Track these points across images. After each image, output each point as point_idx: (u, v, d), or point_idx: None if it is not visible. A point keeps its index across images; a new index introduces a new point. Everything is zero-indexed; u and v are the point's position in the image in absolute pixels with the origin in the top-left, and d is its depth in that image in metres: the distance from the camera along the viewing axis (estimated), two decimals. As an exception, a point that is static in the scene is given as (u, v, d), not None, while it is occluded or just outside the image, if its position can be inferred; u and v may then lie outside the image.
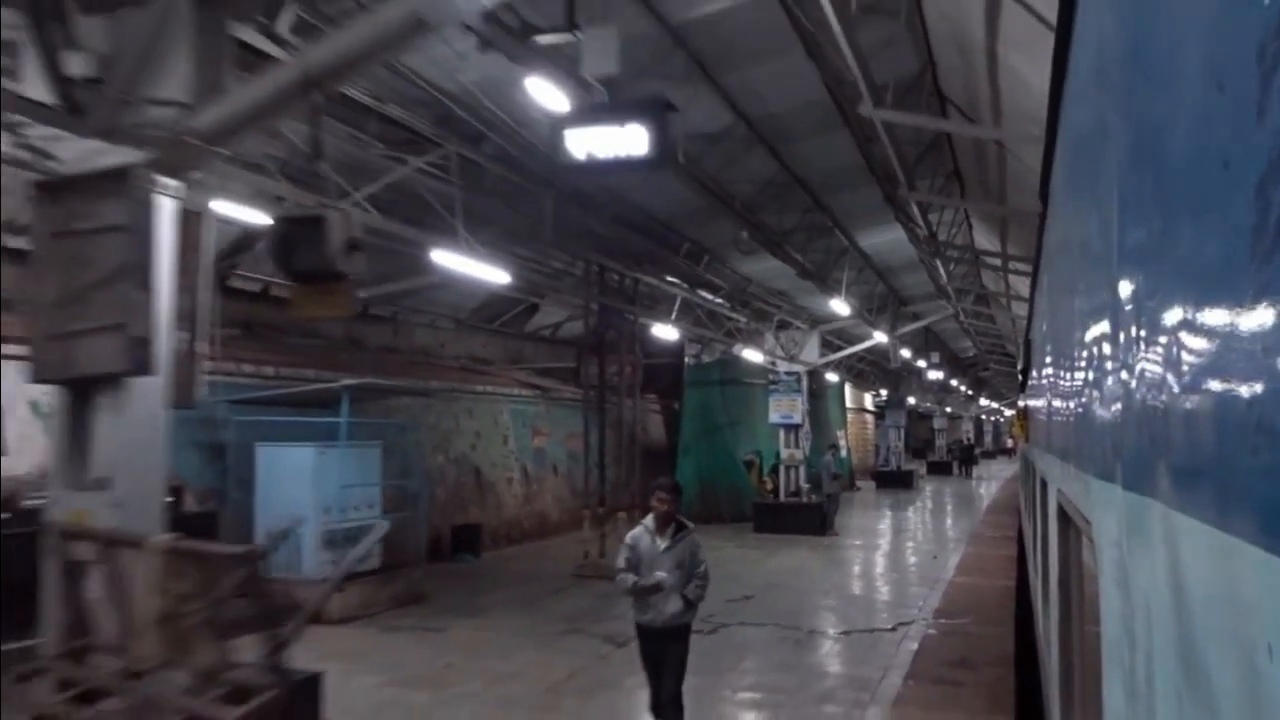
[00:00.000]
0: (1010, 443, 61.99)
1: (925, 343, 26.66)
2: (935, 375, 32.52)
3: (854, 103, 7.84)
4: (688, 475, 21.39)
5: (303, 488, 11.33)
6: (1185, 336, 0.83)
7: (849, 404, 38.35)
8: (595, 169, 5.35)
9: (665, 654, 6.42)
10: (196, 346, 5.58)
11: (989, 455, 66.91)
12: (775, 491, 21.83)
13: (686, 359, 24.65)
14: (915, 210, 11.73)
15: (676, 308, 18.16)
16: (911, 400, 43.75)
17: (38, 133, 5.07)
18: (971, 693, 8.27)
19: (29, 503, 8.74)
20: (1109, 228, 1.36)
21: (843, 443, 32.77)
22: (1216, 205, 0.71)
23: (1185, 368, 0.83)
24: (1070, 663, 3.01)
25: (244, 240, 12.59)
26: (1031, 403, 7.09)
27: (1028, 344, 8.06)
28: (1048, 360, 3.96)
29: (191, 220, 5.42)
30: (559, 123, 5.30)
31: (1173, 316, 0.89)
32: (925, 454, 52.59)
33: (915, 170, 10.27)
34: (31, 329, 5.17)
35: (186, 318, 5.52)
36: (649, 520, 6.42)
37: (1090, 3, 1.65)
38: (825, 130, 10.55)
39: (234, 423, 11.80)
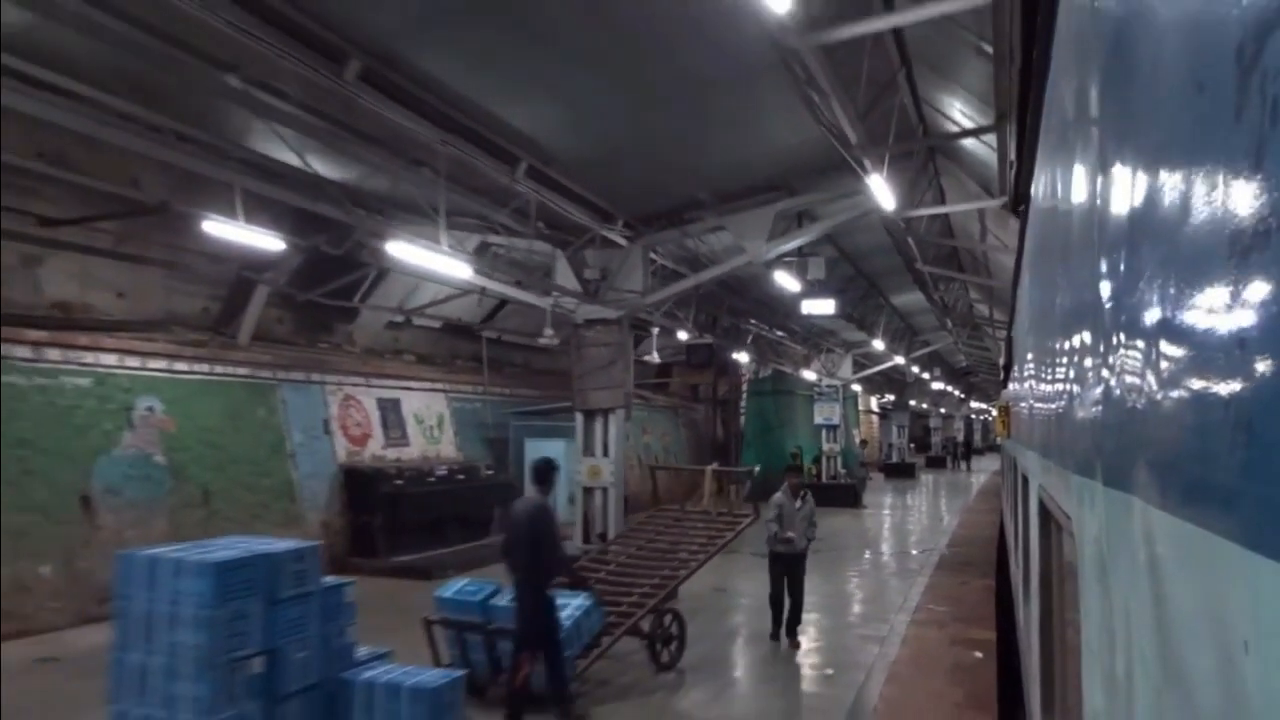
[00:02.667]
0: (998, 440, 68.86)
1: (929, 360, 33.77)
2: (937, 385, 39.60)
3: (909, 257, 14.79)
4: (751, 463, 28.37)
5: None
6: (1165, 334, 0.82)
7: (859, 407, 45.41)
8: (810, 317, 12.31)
9: (792, 571, 9.88)
10: (627, 395, 12.51)
11: (978, 452, 74.04)
12: (819, 475, 28.78)
13: (745, 375, 31.59)
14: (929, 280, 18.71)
15: (749, 340, 25.08)
16: (912, 403, 50.86)
17: (570, 302, 11.96)
18: (972, 573, 15.16)
19: (430, 473, 15.68)
20: (1089, 225, 1.35)
21: (859, 439, 39.78)
22: (1195, 204, 0.71)
23: (1165, 365, 0.83)
24: (1051, 657, 2.98)
25: (499, 307, 19.40)
26: (1013, 399, 7.00)
27: (1009, 341, 8.02)
28: (1029, 357, 3.87)
29: (632, 339, 12.37)
30: (796, 296, 12.26)
31: (1152, 314, 0.88)
32: (922, 449, 59.64)
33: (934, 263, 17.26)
34: (575, 386, 12.09)
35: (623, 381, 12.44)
36: (785, 490, 9.93)
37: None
38: (891, 262, 17.46)
39: (511, 426, 18.71)
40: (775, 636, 9.95)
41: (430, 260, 9.66)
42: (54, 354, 10.86)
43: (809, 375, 27.69)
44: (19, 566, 9.88)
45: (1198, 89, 0.69)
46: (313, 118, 8.17)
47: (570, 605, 7.82)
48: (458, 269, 10.08)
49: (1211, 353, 0.67)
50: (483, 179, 9.82)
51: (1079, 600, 1.65)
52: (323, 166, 10.74)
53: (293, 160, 10.39)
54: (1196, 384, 0.72)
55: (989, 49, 6.89)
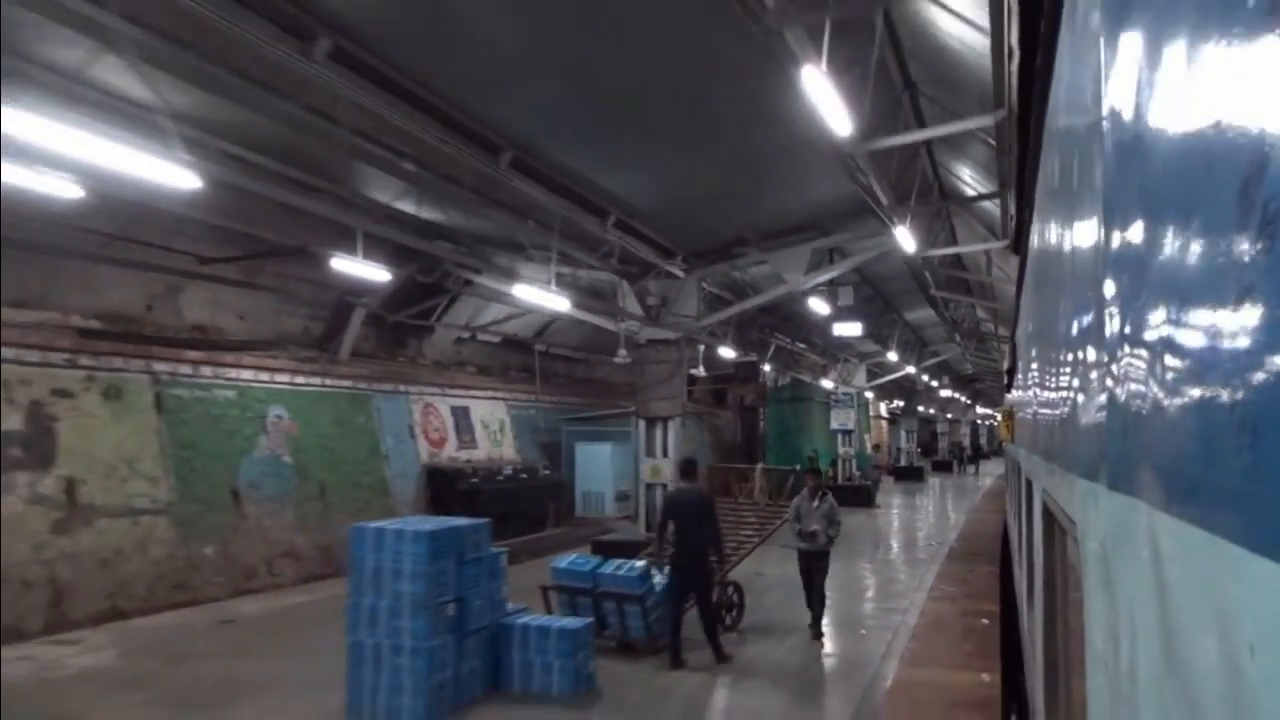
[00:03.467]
0: (1002, 444, 70.78)
1: (938, 369, 35.76)
2: (945, 393, 41.57)
3: (924, 283, 16.79)
4: (772, 465, 30.40)
5: (603, 467, 20.26)
6: (1171, 335, 0.82)
7: (870, 412, 47.42)
8: (840, 335, 14.34)
9: (814, 567, 10.56)
10: (684, 405, 14.54)
11: (984, 456, 75.96)
12: (835, 477, 30.78)
13: (764, 382, 33.63)
14: (940, 299, 20.72)
15: (770, 352, 27.10)
16: (920, 408, 52.83)
17: (633, 325, 13.99)
18: (978, 562, 17.14)
19: (497, 473, 17.73)
20: (1095, 226, 1.36)
21: (869, 444, 41.77)
22: (1201, 205, 0.71)
23: (1171, 367, 0.83)
24: (1055, 662, 2.98)
25: (548, 324, 21.45)
26: (1017, 403, 7.09)
27: (1013, 344, 8.24)
28: (1033, 360, 3.91)
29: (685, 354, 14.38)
30: (827, 318, 14.28)
31: (1158, 316, 0.88)
32: (929, 453, 61.57)
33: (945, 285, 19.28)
34: (638, 397, 14.11)
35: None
36: (806, 491, 10.75)
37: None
38: (906, 285, 19.46)
39: (564, 431, 20.76)
40: (815, 634, 10.62)
41: (542, 297, 11.76)
42: (207, 370, 12.94)
43: (827, 384, 29.72)
44: (190, 548, 11.94)
45: (1203, 86, 0.70)
46: (447, 183, 10.20)
47: (656, 576, 9.85)
48: (560, 303, 12.16)
49: (1218, 354, 0.66)
50: (577, 228, 11.87)
51: (1083, 604, 1.65)
52: (430, 213, 12.83)
53: (408, 209, 12.47)
54: (1201, 386, 0.71)
55: (992, 142, 8.94)
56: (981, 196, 11.11)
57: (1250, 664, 0.59)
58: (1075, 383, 1.78)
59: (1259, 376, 0.57)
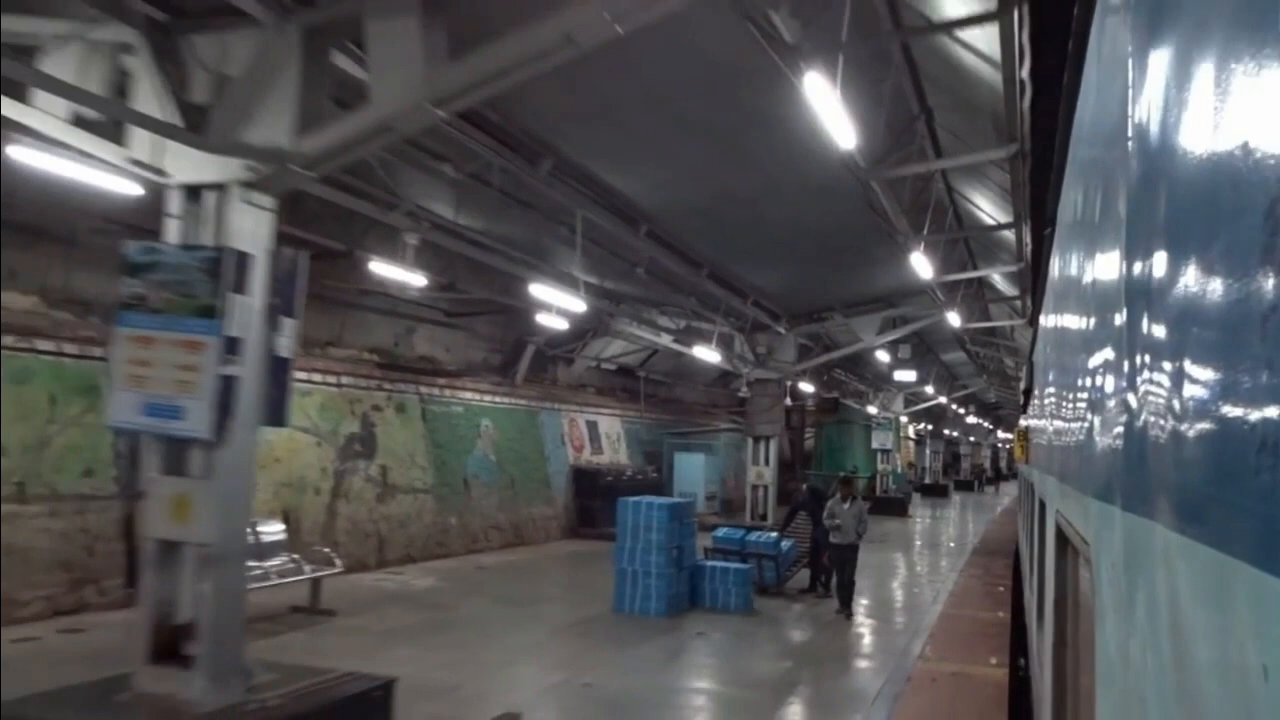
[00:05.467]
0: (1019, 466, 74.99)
1: (965, 399, 40.60)
2: (971, 420, 46.36)
3: (959, 338, 21.71)
4: (816, 480, 35.30)
5: (697, 472, 25.29)
6: (1189, 356, 0.82)
7: (900, 434, 52.29)
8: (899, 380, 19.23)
9: (845, 558, 13.22)
10: (781, 427, 19.45)
11: (1003, 477, 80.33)
12: (874, 490, 35.67)
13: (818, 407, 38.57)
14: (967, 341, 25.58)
15: (824, 379, 32.05)
16: (945, 431, 57.58)
17: (745, 366, 18.94)
18: (996, 556, 21.99)
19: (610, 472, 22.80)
20: (1115, 249, 1.36)
21: (899, 462, 46.63)
22: (1222, 226, 0.71)
23: (1188, 388, 0.82)
24: (1063, 685, 2.99)
25: (653, 354, 26.49)
26: (1032, 424, 7.06)
27: (1030, 365, 8.21)
28: (1050, 381, 3.92)
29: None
30: (889, 366, 19.19)
31: (1176, 336, 0.88)
32: (951, 473, 66.16)
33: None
34: (749, 420, 19.05)
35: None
36: (839, 496, 13.50)
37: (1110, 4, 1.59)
38: (945, 335, 24.39)
39: (665, 442, 25.86)
40: (847, 615, 12.99)
41: (706, 353, 16.87)
42: (447, 391, 18.10)
43: (871, 409, 34.66)
44: (443, 518, 17.06)
45: (1229, 109, 0.70)
46: (632, 266, 15.27)
47: (788, 543, 14.80)
48: (714, 356, 17.22)
49: (1234, 374, 0.66)
50: (721, 302, 16.95)
51: (1095, 627, 1.62)
52: (611, 283, 17.94)
53: (593, 279, 17.60)
54: (1219, 407, 0.70)
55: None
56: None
57: (1264, 687, 0.58)
58: (1092, 404, 1.77)
59: (1278, 397, 0.56)
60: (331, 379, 15.38)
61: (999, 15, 6.78)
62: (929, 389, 30.80)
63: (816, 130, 7.19)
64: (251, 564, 10.23)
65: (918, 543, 25.42)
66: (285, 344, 6.00)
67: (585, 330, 21.36)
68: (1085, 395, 1.94)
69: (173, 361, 5.52)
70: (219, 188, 5.75)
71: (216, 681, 5.62)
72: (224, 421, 5.54)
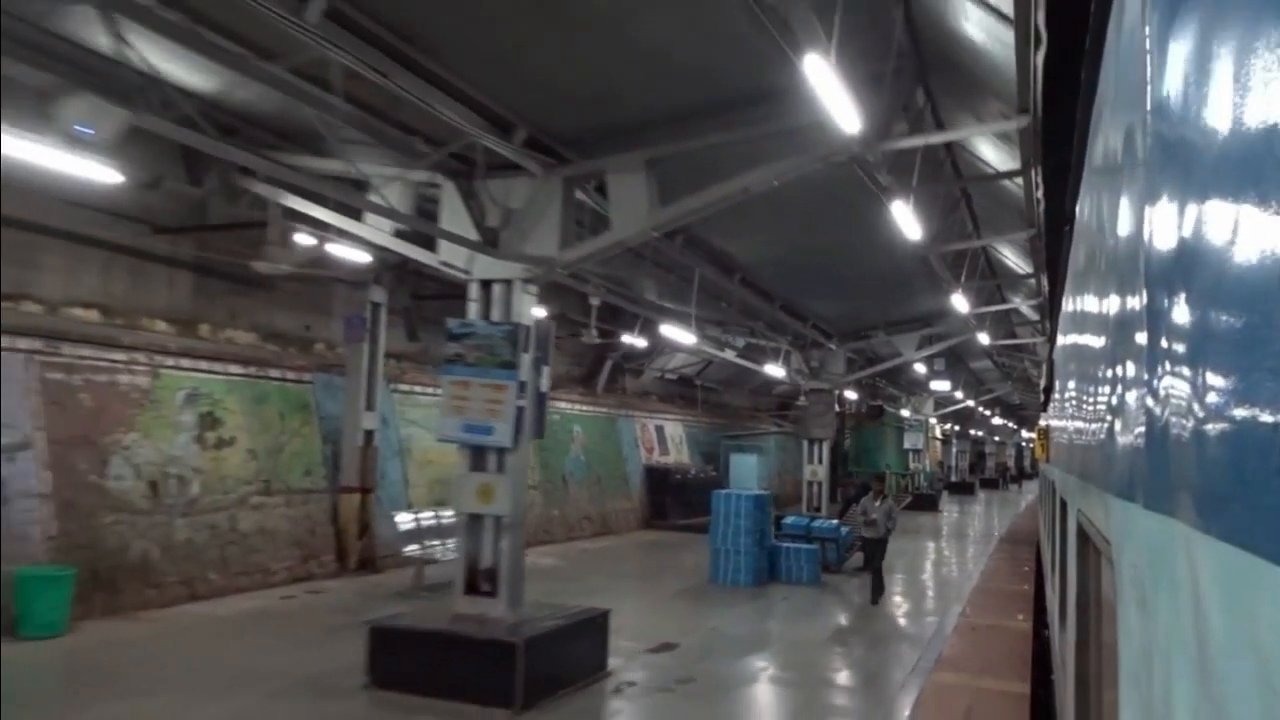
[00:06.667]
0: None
1: (991, 402, 43.29)
2: (997, 421, 48.98)
3: (987, 352, 24.54)
4: (870, 478, 38.09)
5: (750, 470, 28.21)
6: (1210, 352, 0.82)
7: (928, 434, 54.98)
8: (935, 389, 22.09)
9: (874, 551, 14.94)
10: (833, 431, 22.37)
11: (1026, 476, 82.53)
12: (907, 487, 38.46)
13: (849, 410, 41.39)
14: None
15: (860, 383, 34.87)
16: (971, 431, 60.15)
17: (800, 378, 21.85)
18: (1022, 551, 24.77)
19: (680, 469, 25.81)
20: (1136, 246, 1.35)
21: (928, 462, 49.36)
22: (1244, 224, 0.70)
23: (1211, 387, 0.82)
24: (1086, 686, 2.98)
25: (708, 365, 29.41)
26: (1053, 422, 7.13)
27: (1050, 364, 8.40)
28: (1071, 380, 3.90)
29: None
30: (925, 377, 22.05)
31: (1198, 335, 0.88)
32: (976, 472, 68.61)
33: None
34: (803, 424, 22.01)
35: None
36: (871, 494, 15.64)
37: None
38: (974, 347, 27.22)
39: (721, 444, 28.87)
40: (874, 600, 14.24)
41: (774, 369, 19.82)
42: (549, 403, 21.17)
43: (905, 413, 37.48)
44: (548, 510, 20.10)
45: (1251, 103, 0.69)
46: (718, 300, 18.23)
47: (846, 528, 17.72)
48: (779, 372, 20.15)
49: (1258, 373, 0.65)
50: (788, 326, 19.91)
51: (1117, 627, 1.62)
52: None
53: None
54: (1243, 403, 0.70)
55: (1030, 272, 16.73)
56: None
57: None
58: (1113, 403, 1.75)
59: None
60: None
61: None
62: (958, 394, 33.59)
63: (890, 223, 10.09)
64: (439, 541, 13.32)
65: (951, 534, 28.26)
66: (544, 383, 9.04)
67: (656, 346, 24.35)
68: (1106, 394, 1.92)
69: (484, 398, 8.56)
70: (506, 282, 8.80)
71: (511, 606, 8.66)
72: (517, 436, 8.59)
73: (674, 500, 24.67)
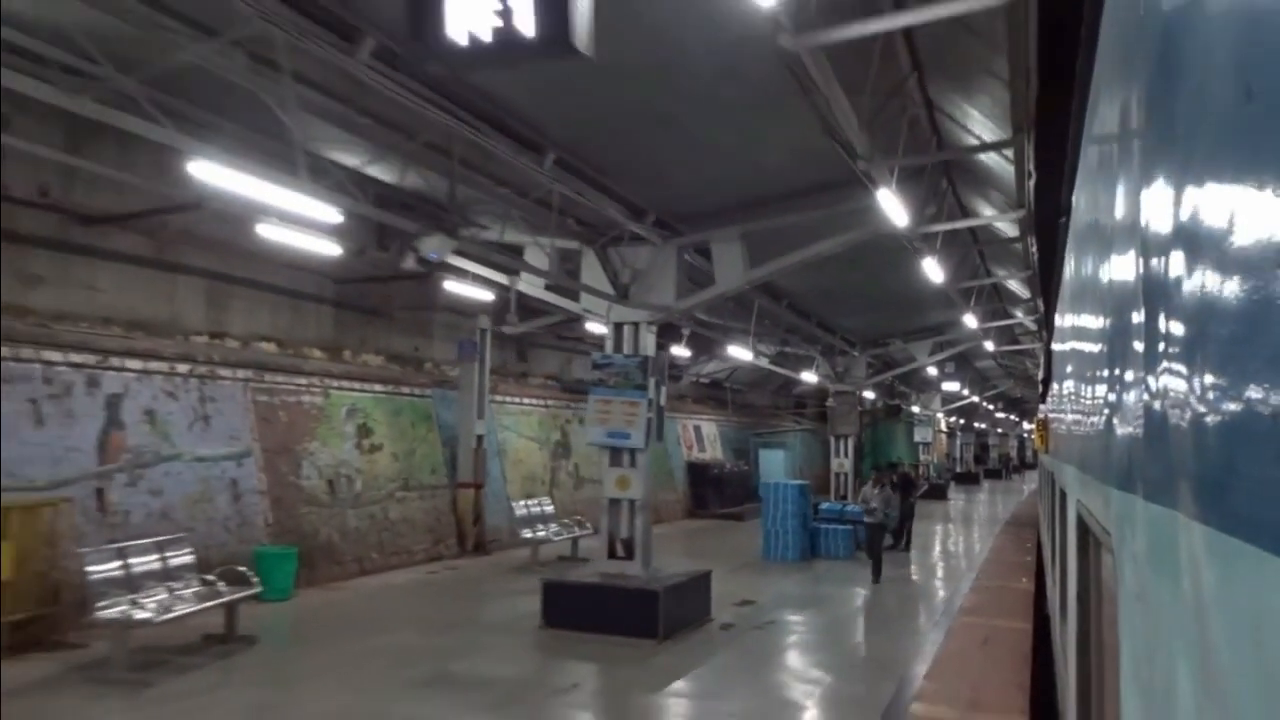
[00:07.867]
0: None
1: (995, 397, 46.19)
2: (1000, 415, 51.91)
3: (991, 355, 27.48)
4: (868, 469, 41.02)
5: (779, 465, 31.18)
6: (1211, 345, 0.82)
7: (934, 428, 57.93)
8: (945, 389, 25.08)
9: (874, 536, 16.72)
10: (856, 428, 25.27)
11: (1029, 466, 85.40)
12: (917, 478, 41.36)
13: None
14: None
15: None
16: (974, 424, 63.11)
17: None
18: (1025, 531, 27.70)
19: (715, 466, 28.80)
20: (1133, 235, 1.35)
21: (936, 454, 52.34)
22: (1241, 213, 0.70)
23: (1211, 378, 0.82)
24: (1088, 676, 2.98)
25: (738, 370, 32.32)
26: (1052, 413, 7.08)
27: (1048, 353, 8.50)
28: (1069, 371, 3.88)
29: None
30: (936, 378, 25.04)
31: (1196, 325, 0.87)
32: (980, 463, 71.49)
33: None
34: (830, 422, 24.92)
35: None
36: (871, 482, 18.60)
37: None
38: (979, 348, 30.14)
39: (751, 441, 31.83)
40: (875, 580, 15.91)
41: (809, 375, 22.74)
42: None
43: (915, 409, 40.44)
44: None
45: (1248, 97, 0.70)
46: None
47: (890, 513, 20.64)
48: (813, 378, 23.09)
49: (1258, 364, 0.65)
50: (820, 338, 22.81)
51: (1118, 619, 1.62)
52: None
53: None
54: (1242, 396, 0.70)
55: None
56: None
57: None
58: (1112, 394, 1.74)
59: None
60: (540, 402, 21.42)
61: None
62: (964, 391, 36.56)
63: (916, 262, 13.01)
64: (533, 533, 16.29)
65: (961, 519, 31.23)
66: (663, 399, 12.01)
67: (697, 355, 27.28)
68: (1105, 385, 1.93)
69: (623, 412, 11.51)
70: (635, 324, 11.76)
71: (644, 566, 11.62)
72: (647, 439, 11.54)
73: (713, 492, 27.62)
